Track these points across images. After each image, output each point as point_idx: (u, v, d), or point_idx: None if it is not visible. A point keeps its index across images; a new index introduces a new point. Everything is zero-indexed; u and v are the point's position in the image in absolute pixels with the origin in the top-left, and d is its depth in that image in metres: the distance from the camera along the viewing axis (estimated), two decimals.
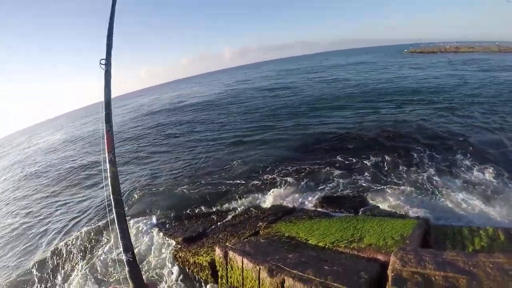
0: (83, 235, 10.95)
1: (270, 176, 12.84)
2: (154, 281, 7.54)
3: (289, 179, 12.21)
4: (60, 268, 9.52)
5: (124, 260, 3.27)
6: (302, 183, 11.64)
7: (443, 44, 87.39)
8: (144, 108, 53.49)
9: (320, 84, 38.76)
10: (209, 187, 12.92)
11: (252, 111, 27.96)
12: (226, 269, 6.19)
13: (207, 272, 6.86)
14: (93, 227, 11.49)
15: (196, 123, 27.98)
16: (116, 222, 3.63)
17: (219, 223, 9.01)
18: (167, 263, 8.23)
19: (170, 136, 25.05)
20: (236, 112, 28.81)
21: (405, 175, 10.99)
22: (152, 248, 9.13)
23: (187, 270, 7.60)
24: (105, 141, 4.21)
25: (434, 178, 10.44)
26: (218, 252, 6.33)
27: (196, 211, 10.70)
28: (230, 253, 6.02)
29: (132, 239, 10.54)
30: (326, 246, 6.14)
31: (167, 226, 9.53)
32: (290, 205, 9.81)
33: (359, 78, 38.74)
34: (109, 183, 3.97)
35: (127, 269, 3.32)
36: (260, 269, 5.29)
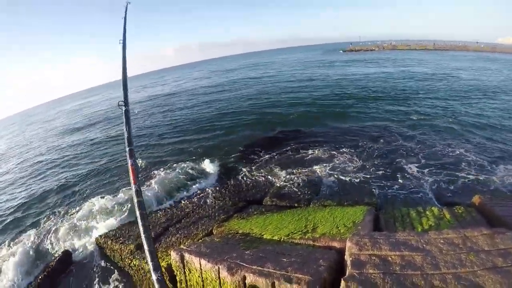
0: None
1: (219, 172, 12.41)
2: None
3: (241, 173, 11.86)
4: None
5: (154, 279, 3.40)
6: (252, 179, 11.33)
7: (380, 42, 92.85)
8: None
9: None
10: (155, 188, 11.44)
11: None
12: (184, 272, 5.62)
13: (164, 278, 6.22)
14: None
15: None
16: (145, 245, 3.67)
17: (170, 227, 8.30)
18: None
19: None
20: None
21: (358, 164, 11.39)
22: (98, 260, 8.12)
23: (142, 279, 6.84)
24: (130, 174, 4.35)
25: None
26: (173, 256, 5.72)
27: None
28: (186, 256, 5.47)
29: (79, 250, 9.22)
30: (282, 239, 5.89)
31: (116, 234, 8.43)
32: (241, 202, 9.37)
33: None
34: (137, 212, 3.94)
35: (157, 286, 3.36)
36: (219, 268, 4.84)
